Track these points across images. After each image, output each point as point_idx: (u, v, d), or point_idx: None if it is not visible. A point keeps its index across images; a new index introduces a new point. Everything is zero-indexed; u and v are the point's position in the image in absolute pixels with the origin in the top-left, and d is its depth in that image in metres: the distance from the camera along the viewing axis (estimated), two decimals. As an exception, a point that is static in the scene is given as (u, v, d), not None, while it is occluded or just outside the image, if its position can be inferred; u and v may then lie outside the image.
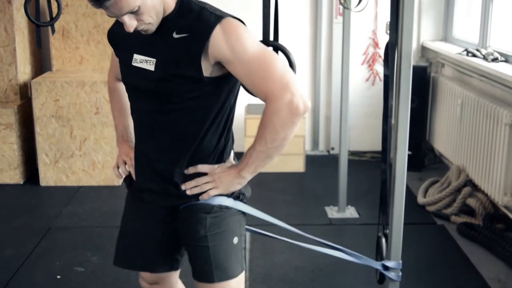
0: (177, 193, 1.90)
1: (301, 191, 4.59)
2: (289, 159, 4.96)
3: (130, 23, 1.72)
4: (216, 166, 1.90)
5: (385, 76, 2.67)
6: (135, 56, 1.84)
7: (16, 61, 4.66)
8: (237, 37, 1.71)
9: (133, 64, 1.84)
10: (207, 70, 1.75)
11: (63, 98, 4.50)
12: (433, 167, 5.06)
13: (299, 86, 1.72)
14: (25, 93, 4.85)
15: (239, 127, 5.20)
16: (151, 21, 1.74)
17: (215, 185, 1.87)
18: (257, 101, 2.82)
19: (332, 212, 4.12)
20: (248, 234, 3.50)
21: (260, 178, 4.77)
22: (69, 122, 4.54)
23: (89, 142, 4.58)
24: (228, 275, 1.92)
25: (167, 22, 1.78)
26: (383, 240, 2.72)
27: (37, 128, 4.57)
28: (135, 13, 1.70)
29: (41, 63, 5.20)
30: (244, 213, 2.00)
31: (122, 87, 2.11)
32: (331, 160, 5.26)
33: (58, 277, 3.27)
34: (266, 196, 4.46)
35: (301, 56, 5.35)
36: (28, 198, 4.48)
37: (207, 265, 1.90)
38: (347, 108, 3.93)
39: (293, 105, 1.70)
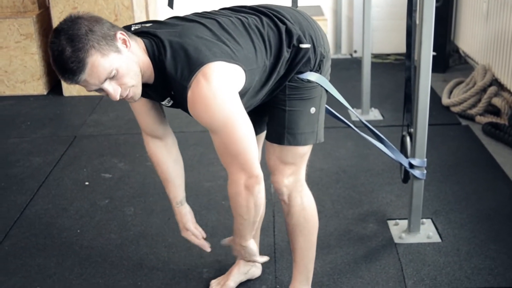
0: None
1: (324, 95, 4.55)
2: (311, 63, 4.89)
3: (114, 91, 1.67)
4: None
5: (410, -30, 2.58)
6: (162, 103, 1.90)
7: (33, -31, 4.59)
8: (205, 108, 1.67)
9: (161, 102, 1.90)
10: None
11: (81, 5, 4.44)
12: (458, 68, 4.97)
13: (253, 161, 1.74)
14: (42, 2, 4.79)
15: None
16: (133, 83, 1.70)
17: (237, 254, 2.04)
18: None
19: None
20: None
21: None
22: (89, 30, 4.49)
23: (110, 51, 4.54)
24: (298, 141, 1.97)
25: (160, 86, 1.78)
26: (408, 138, 2.71)
27: (57, 38, 4.53)
28: (114, 78, 1.65)
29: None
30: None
31: (159, 149, 2.11)
32: (354, 63, 5.19)
33: (86, 183, 3.33)
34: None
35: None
36: (52, 108, 4.51)
37: (280, 127, 1.96)
38: (370, 8, 3.83)
39: (248, 186, 1.75)
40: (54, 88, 4.84)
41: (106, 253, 2.69)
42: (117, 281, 2.51)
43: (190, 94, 1.68)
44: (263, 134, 2.14)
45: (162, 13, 5.28)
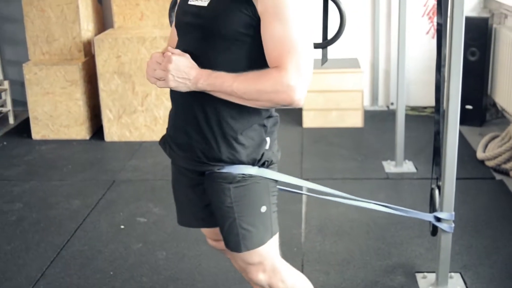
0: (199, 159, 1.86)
1: (358, 146, 4.60)
2: (347, 114, 4.96)
3: None
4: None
5: (438, 25, 2.65)
6: None
7: (79, 19, 4.79)
8: None
9: (189, 2, 1.82)
10: (256, 14, 1.70)
11: (125, 54, 4.62)
12: (495, 122, 4.97)
13: (308, 84, 1.68)
14: (88, 50, 4.99)
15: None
16: None
17: (165, 76, 1.72)
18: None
19: (390, 167, 4.12)
20: (304, 188, 3.57)
21: (317, 133, 4.86)
22: (131, 78, 4.67)
23: (151, 98, 4.70)
24: (254, 244, 1.90)
25: None
26: (436, 192, 2.74)
27: (101, 85, 4.71)
28: None
29: (103, 20, 5.33)
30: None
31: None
32: (390, 115, 5.22)
33: (122, 227, 3.42)
34: (323, 151, 4.50)
35: (360, 9, 5.31)
36: (93, 152, 4.65)
37: (233, 235, 1.89)
38: (404, 62, 3.89)
39: (293, 93, 1.66)
40: (96, 133, 5.00)
41: (137, 295, 2.76)
42: (146, 323, 2.56)
43: None
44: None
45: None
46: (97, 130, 5.04)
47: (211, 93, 1.73)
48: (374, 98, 5.48)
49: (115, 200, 3.77)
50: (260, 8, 1.67)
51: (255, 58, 1.74)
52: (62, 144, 4.81)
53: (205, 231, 2.19)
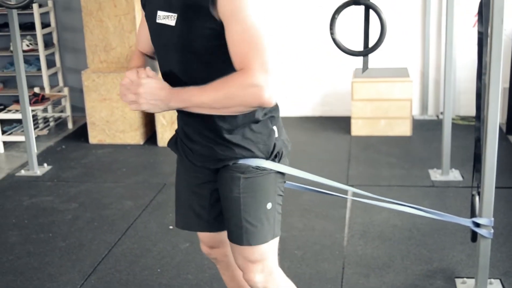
0: (218, 156, 1.91)
1: (406, 154, 4.63)
2: (395, 123, 4.99)
3: None
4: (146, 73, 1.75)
5: (479, 33, 2.68)
6: (159, 13, 1.81)
7: (135, 29, 4.98)
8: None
9: (157, 21, 1.82)
10: (220, 23, 1.70)
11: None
12: (547, 132, 4.92)
13: (274, 80, 1.67)
14: (144, 59, 5.17)
15: (346, 91, 5.30)
16: None
17: (137, 100, 1.73)
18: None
19: (436, 175, 4.14)
20: (349, 193, 3.64)
21: (365, 141, 4.91)
22: (184, 86, 4.81)
23: (202, 105, 4.83)
24: (257, 240, 1.92)
25: None
26: (477, 198, 2.76)
27: (155, 92, 4.87)
28: None
29: (159, 31, 5.51)
30: (283, 174, 1.97)
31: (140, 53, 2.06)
32: (439, 125, 5.20)
33: (171, 227, 3.55)
34: (370, 158, 4.54)
35: (410, 18, 5.34)
36: (146, 157, 4.82)
37: (237, 228, 1.91)
38: (451, 71, 3.92)
39: (262, 91, 1.64)
40: (150, 138, 5.18)
41: (182, 292, 2.88)
42: (189, 318, 2.67)
43: None
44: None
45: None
46: (151, 135, 5.22)
47: (186, 109, 1.73)
48: (424, 107, 5.49)
49: (165, 202, 3.91)
50: (220, 16, 1.68)
51: None
52: (117, 149, 5.00)
53: (202, 236, 2.19)
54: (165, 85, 1.74)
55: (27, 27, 5.57)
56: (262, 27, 1.67)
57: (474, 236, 2.77)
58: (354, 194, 2.55)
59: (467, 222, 2.63)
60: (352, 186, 3.93)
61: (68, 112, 5.62)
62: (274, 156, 1.91)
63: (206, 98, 1.67)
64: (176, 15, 1.75)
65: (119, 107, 4.99)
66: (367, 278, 2.93)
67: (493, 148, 2.53)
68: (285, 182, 2.00)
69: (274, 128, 1.93)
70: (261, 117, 1.88)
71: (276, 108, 1.94)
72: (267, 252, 1.96)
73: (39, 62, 5.63)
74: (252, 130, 1.88)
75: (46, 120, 5.62)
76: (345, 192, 2.44)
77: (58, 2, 5.75)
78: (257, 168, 1.88)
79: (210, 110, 1.71)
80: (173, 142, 2.06)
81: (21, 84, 4.35)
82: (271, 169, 1.91)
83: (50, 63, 5.80)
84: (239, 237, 1.92)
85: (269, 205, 1.92)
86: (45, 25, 5.65)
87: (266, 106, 1.67)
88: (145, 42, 2.02)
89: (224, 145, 1.88)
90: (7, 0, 4.02)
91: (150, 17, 1.87)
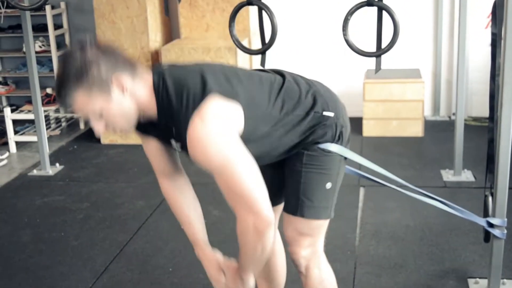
0: None
1: (418, 155, 4.61)
2: (407, 123, 4.98)
3: (97, 127, 1.75)
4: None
5: (493, 34, 2.67)
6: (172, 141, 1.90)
7: (147, 30, 5.00)
8: (201, 150, 1.70)
9: (171, 140, 1.90)
10: None
11: (192, 58, 4.78)
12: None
13: (261, 201, 1.72)
14: (156, 59, 5.19)
15: (358, 91, 5.28)
16: (122, 124, 1.77)
17: None
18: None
19: (448, 176, 4.12)
20: (361, 194, 3.62)
21: (377, 142, 4.89)
22: (196, 86, 4.82)
23: (214, 106, 4.85)
24: (311, 214, 1.98)
25: (162, 121, 1.80)
26: (490, 198, 2.75)
27: (167, 93, 4.89)
28: (102, 117, 1.72)
29: (171, 31, 5.53)
30: (346, 158, 2.03)
31: (172, 190, 2.27)
32: (451, 125, 5.18)
33: (182, 227, 3.54)
34: (382, 159, 4.52)
35: (422, 19, 5.33)
36: (158, 157, 4.82)
37: (294, 199, 1.98)
38: (463, 72, 3.91)
39: (257, 228, 1.73)
40: (162, 139, 5.18)
41: (194, 291, 2.88)
42: (201, 317, 2.67)
43: (188, 137, 1.70)
44: (280, 206, 2.12)
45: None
46: (162, 136, 5.22)
47: (255, 271, 1.93)
48: (436, 108, 5.47)
49: (177, 202, 3.91)
50: None
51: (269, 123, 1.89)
52: (129, 149, 5.01)
53: None
54: (237, 277, 1.97)
55: (40, 28, 5.60)
56: (224, 163, 1.71)
57: (487, 237, 2.76)
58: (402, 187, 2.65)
59: (482, 221, 2.62)
60: (363, 186, 3.93)
61: (80, 113, 5.64)
62: (338, 138, 1.96)
63: (254, 259, 1.84)
64: (179, 143, 1.87)
65: (131, 107, 5.00)
66: (379, 278, 2.92)
67: (507, 149, 2.52)
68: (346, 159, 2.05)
69: (326, 114, 1.93)
70: (312, 116, 1.92)
71: (312, 95, 1.94)
72: (318, 228, 2.03)
73: (52, 63, 5.66)
74: (313, 132, 1.93)
75: (58, 120, 5.64)
76: (399, 185, 2.50)
77: (70, 3, 5.78)
78: (322, 149, 1.94)
79: (256, 267, 1.91)
80: None
81: (33, 85, 4.38)
82: (336, 152, 1.96)
83: (63, 64, 5.81)
84: (294, 207, 1.99)
85: (328, 185, 1.98)
86: (57, 26, 5.67)
87: (268, 226, 1.73)
88: (160, 163, 2.19)
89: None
90: (20, 1, 4.04)
91: (163, 142, 2.02)
